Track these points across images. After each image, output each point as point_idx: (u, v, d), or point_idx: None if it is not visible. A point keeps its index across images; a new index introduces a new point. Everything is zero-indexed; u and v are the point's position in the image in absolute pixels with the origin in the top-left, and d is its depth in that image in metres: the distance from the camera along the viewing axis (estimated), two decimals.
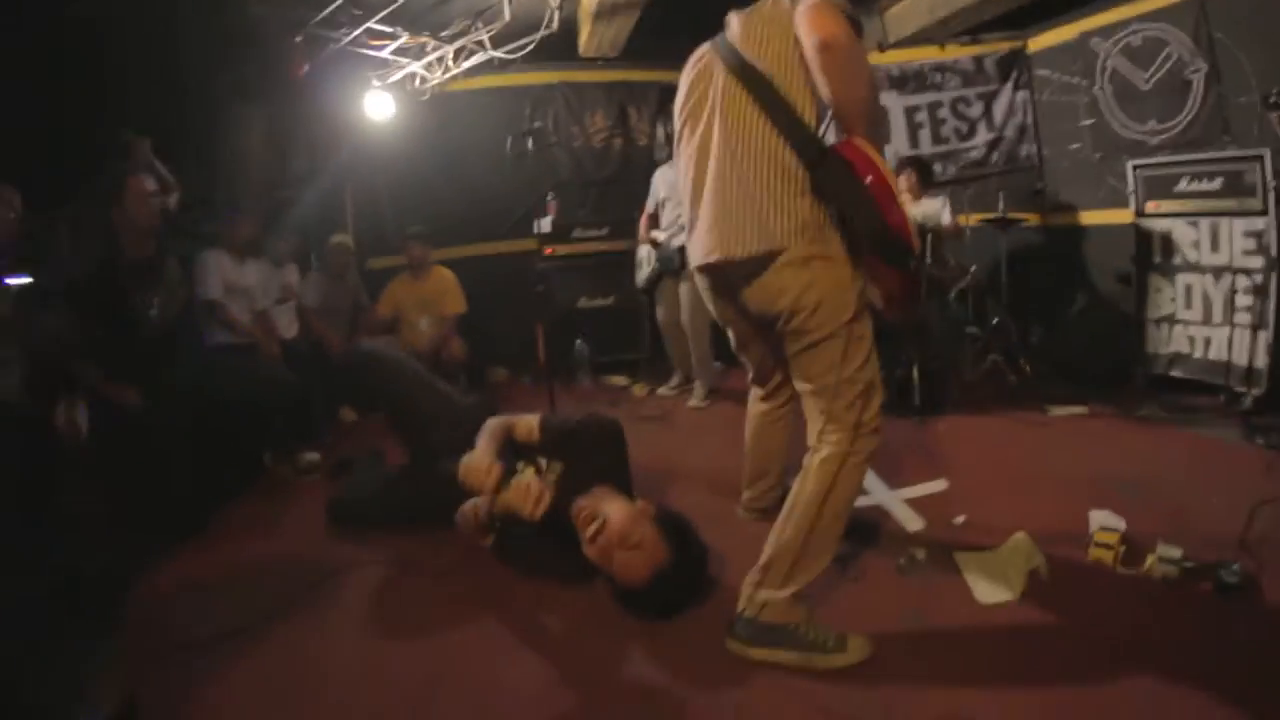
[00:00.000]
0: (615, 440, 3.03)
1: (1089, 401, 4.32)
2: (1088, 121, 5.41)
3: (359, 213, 6.44)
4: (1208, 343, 4.43)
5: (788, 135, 2.14)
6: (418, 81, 6.36)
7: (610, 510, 2.53)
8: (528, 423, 3.03)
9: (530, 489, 2.63)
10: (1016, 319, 5.21)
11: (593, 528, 2.48)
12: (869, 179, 2.02)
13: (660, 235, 5.32)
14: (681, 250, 4.90)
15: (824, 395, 2.25)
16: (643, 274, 5.60)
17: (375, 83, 6.16)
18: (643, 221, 5.52)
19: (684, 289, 5.11)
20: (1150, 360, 4.65)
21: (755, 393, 2.98)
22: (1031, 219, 5.60)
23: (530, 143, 6.20)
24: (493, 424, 2.96)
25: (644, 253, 5.56)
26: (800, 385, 2.35)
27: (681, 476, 3.77)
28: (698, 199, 2.37)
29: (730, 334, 2.73)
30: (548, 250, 6.19)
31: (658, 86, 6.88)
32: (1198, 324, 4.48)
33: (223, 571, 3.09)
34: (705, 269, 2.42)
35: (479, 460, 2.70)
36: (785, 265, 2.16)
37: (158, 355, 3.71)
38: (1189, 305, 4.52)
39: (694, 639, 2.38)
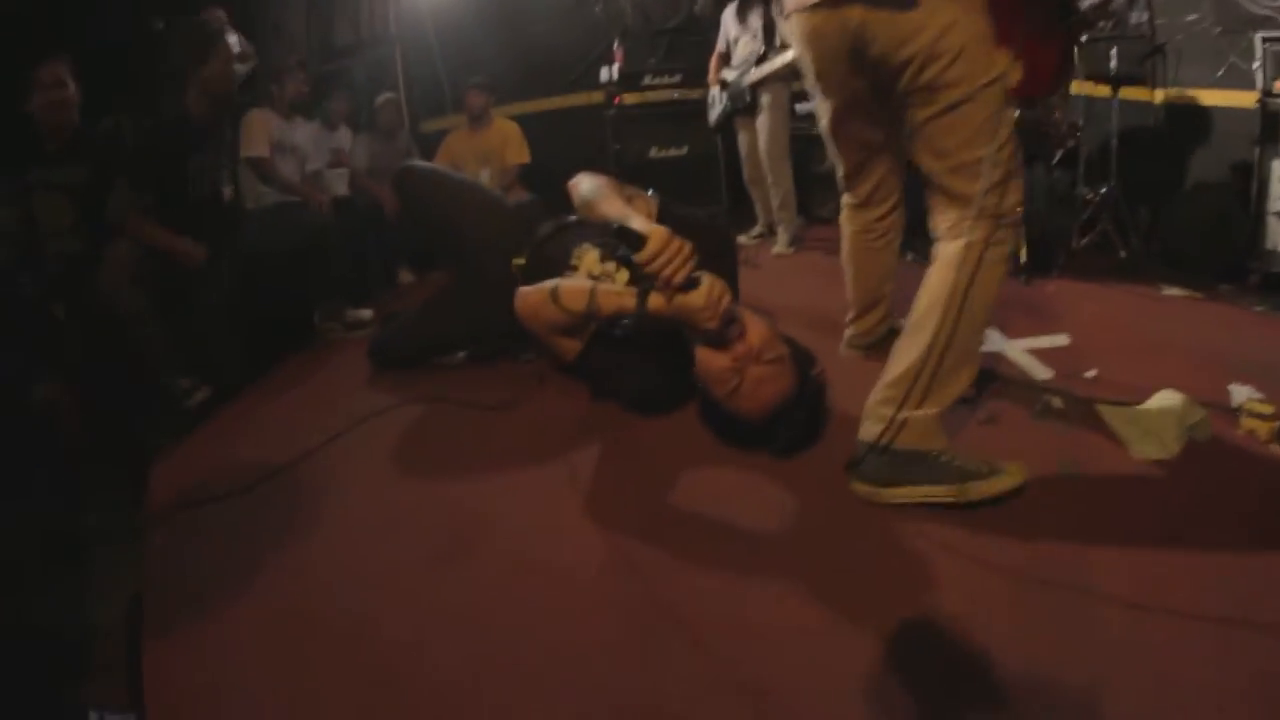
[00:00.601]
0: (731, 250, 2.55)
1: (1203, 289, 3.66)
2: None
3: (411, 73, 5.89)
4: None
5: None
6: None
7: (748, 320, 1.99)
8: (646, 199, 2.28)
9: (718, 292, 1.91)
10: (1125, 196, 4.55)
11: (734, 329, 1.95)
12: None
13: (730, 74, 4.81)
14: (752, 87, 4.56)
15: (960, 175, 1.77)
16: (715, 112, 5.03)
17: None
18: (713, 61, 4.98)
19: (760, 121, 4.65)
20: (1268, 257, 3.85)
21: (849, 201, 2.40)
22: (1141, 93, 4.82)
23: None
24: (611, 186, 2.16)
25: (715, 93, 5.02)
26: (930, 165, 1.84)
27: (773, 315, 3.23)
28: None
29: (826, 110, 2.12)
30: (615, 99, 5.56)
31: None
32: None
33: (252, 425, 2.73)
34: (821, 4, 1.82)
35: (665, 234, 1.89)
36: None
37: (206, 219, 3.32)
38: None
39: (805, 481, 1.89)
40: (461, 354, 2.97)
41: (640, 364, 2.27)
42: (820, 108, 2.13)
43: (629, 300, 2.03)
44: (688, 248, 1.89)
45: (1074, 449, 1.98)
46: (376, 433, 2.46)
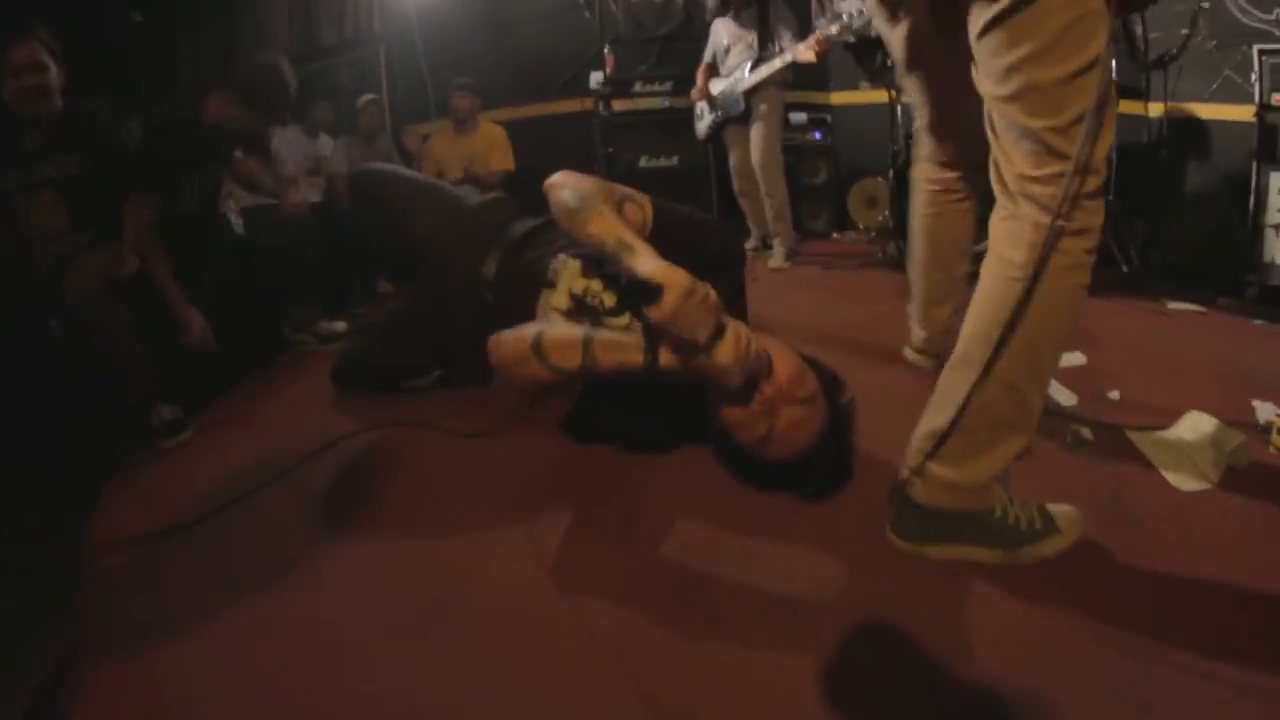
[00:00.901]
0: (738, 258, 2.11)
1: (1203, 303, 3.51)
2: (1203, 4, 4.35)
3: (394, 77, 5.64)
4: None
5: None
6: None
7: (772, 349, 1.62)
8: (640, 203, 1.80)
9: (745, 345, 1.52)
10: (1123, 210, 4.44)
11: (761, 369, 1.58)
12: None
13: (719, 84, 4.62)
14: (746, 94, 4.37)
15: (1023, 104, 1.25)
16: (703, 124, 4.82)
17: None
18: (700, 73, 4.77)
19: (755, 130, 4.44)
20: (1266, 270, 3.77)
21: (930, 155, 1.98)
22: (1135, 107, 4.67)
23: None
24: (600, 191, 1.69)
25: (703, 105, 4.82)
26: (990, 90, 1.32)
27: (778, 333, 3.00)
28: None
29: (896, 41, 1.78)
30: (605, 106, 5.31)
31: None
32: None
33: (211, 446, 2.42)
34: None
35: (686, 284, 1.45)
36: None
37: (195, 233, 3.03)
38: None
39: (837, 529, 1.62)
40: (433, 374, 2.62)
41: (638, 406, 1.93)
42: (891, 42, 1.80)
43: (634, 355, 1.60)
44: (712, 298, 1.48)
45: (1113, 482, 1.75)
46: (340, 462, 2.16)
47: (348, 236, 4.06)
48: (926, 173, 2.02)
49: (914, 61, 1.78)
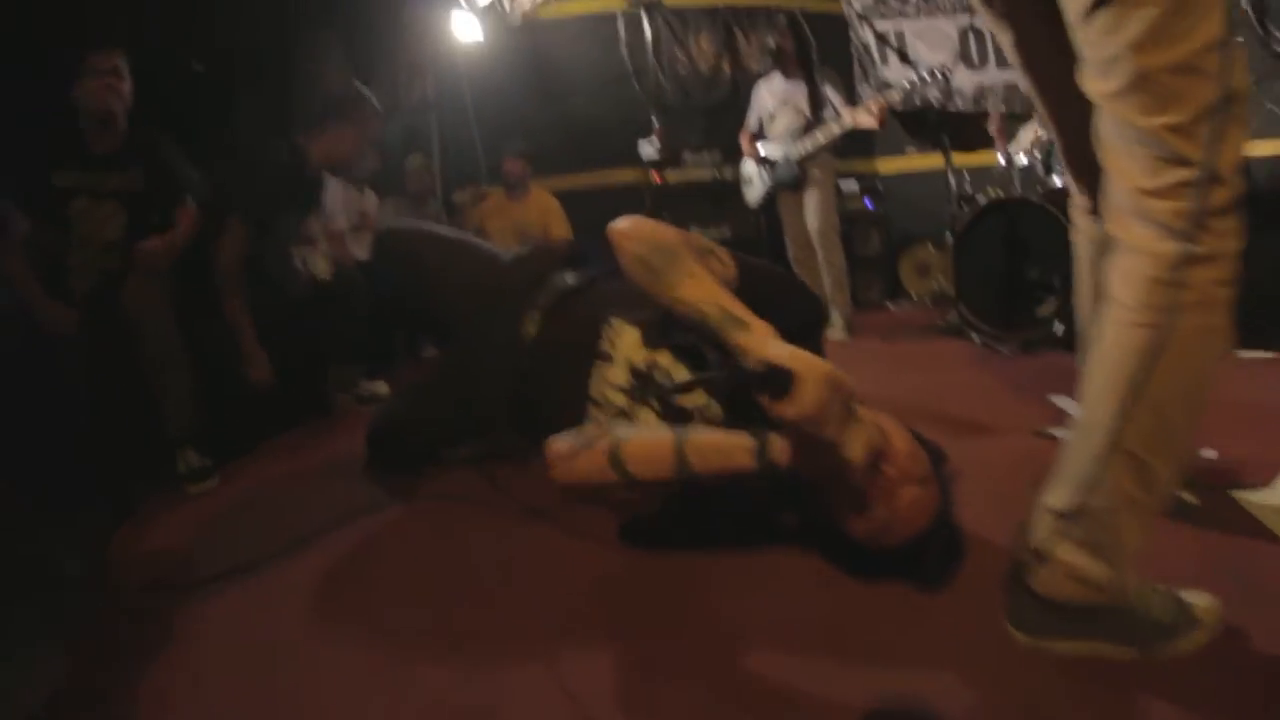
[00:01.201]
0: (819, 315, 1.84)
1: (1273, 348, 3.24)
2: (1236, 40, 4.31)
3: (446, 142, 5.64)
4: None
5: None
6: (507, 4, 5.61)
7: (885, 424, 1.36)
8: (721, 257, 1.52)
9: (876, 431, 1.30)
10: None
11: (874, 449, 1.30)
12: None
13: (770, 148, 4.48)
14: (800, 161, 4.24)
15: (1134, 100, 1.03)
16: (755, 191, 4.65)
17: (462, 3, 5.42)
18: (744, 139, 4.68)
19: (810, 197, 4.33)
20: None
21: (1081, 204, 1.58)
22: None
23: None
24: (683, 244, 1.44)
25: (751, 169, 4.65)
26: (1095, 89, 1.09)
27: None
28: None
29: (1009, 47, 1.43)
30: (656, 176, 5.19)
31: (764, 11, 5.99)
32: None
33: (236, 501, 2.32)
34: None
35: (826, 376, 1.20)
36: None
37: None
38: None
39: (932, 619, 1.35)
40: (471, 445, 2.37)
41: (707, 500, 1.63)
42: (1006, 48, 1.45)
43: (742, 459, 1.31)
44: (849, 385, 1.22)
45: (1230, 552, 1.51)
46: (364, 536, 1.94)
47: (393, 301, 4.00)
48: (1084, 227, 1.62)
49: (1030, 71, 1.43)
